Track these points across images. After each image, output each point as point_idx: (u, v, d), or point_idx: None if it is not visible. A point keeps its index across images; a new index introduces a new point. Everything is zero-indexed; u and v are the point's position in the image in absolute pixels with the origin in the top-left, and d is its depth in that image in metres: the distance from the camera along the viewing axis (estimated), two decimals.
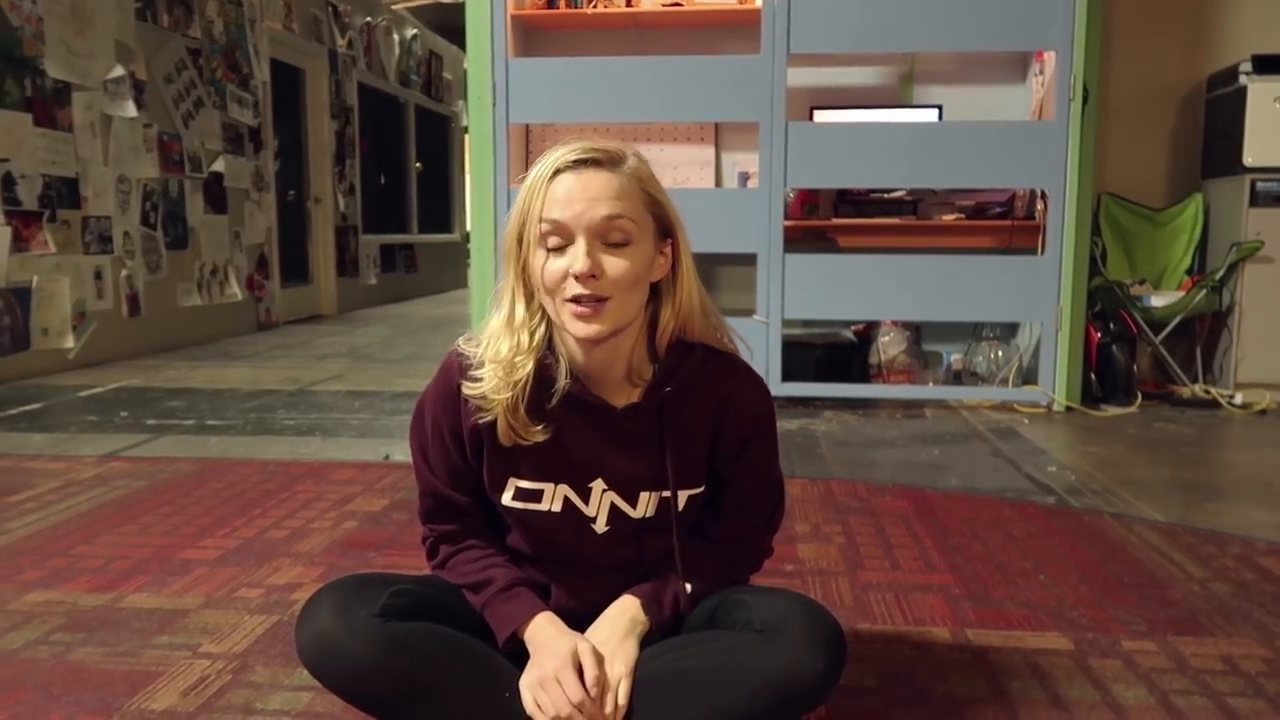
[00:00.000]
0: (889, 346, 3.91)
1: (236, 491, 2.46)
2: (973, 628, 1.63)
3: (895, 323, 3.92)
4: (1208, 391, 3.81)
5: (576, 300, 1.06)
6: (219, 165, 5.82)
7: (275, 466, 2.69)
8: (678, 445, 1.18)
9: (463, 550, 1.26)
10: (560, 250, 1.07)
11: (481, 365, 1.14)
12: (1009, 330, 4.08)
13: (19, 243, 4.20)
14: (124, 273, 4.95)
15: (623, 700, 1.12)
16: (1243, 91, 3.71)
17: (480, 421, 1.16)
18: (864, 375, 3.92)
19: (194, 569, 1.90)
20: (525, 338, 1.12)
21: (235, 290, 6.02)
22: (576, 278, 1.05)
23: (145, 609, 1.70)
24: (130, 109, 4.92)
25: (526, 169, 1.10)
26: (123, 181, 4.93)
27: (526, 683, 1.13)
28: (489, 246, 3.71)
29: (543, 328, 1.14)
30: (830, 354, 3.94)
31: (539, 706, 1.10)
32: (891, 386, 3.83)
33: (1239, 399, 3.71)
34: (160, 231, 5.28)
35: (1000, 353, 3.99)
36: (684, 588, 1.21)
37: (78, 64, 4.57)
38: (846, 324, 4.11)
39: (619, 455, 1.17)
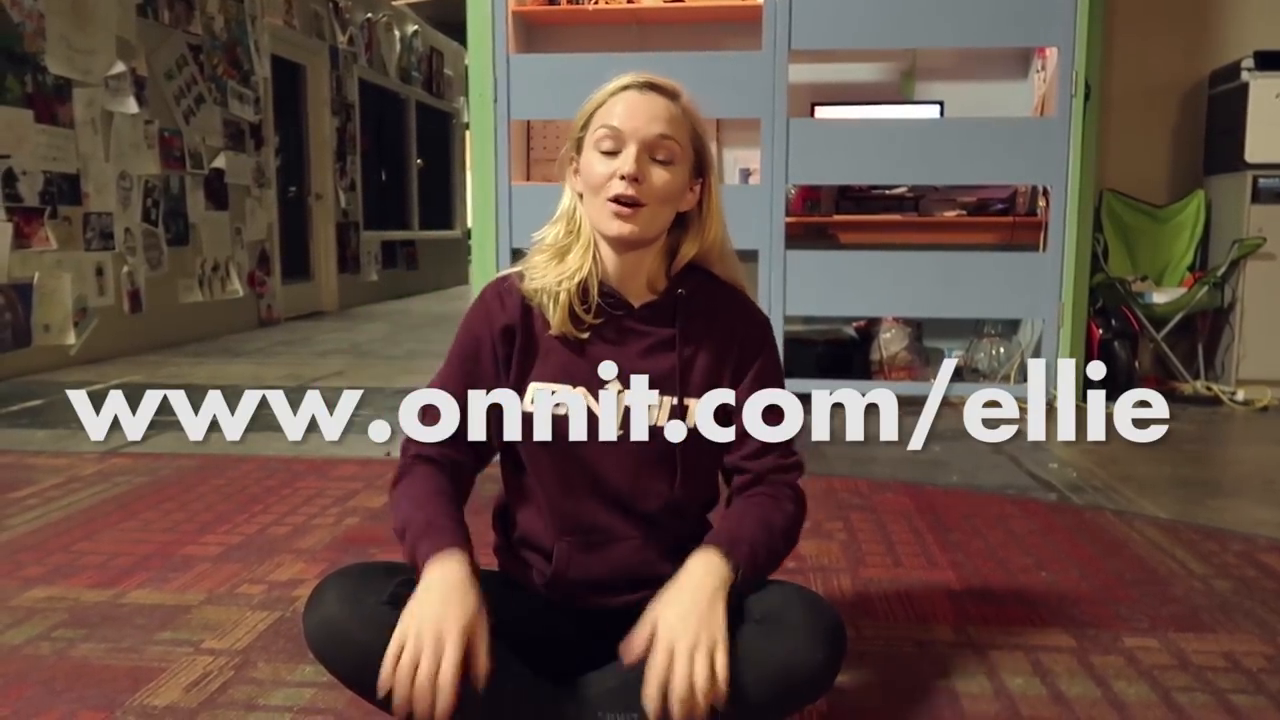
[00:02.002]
0: (890, 343, 3.90)
1: (238, 488, 2.46)
2: (974, 624, 1.63)
3: (896, 319, 3.91)
4: (1209, 388, 3.80)
5: (617, 199, 1.18)
6: (220, 161, 5.82)
7: (277, 463, 2.68)
8: (687, 344, 1.25)
9: (420, 477, 1.22)
10: (612, 155, 1.19)
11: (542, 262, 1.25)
12: (1010, 327, 4.07)
13: (20, 239, 4.20)
14: (125, 269, 4.95)
15: (721, 673, 1.04)
16: (1245, 88, 3.71)
17: (530, 304, 1.23)
18: (865, 372, 3.92)
19: (196, 565, 1.91)
20: (588, 230, 1.24)
21: (236, 287, 6.02)
22: (622, 177, 1.17)
23: (147, 605, 1.70)
24: (131, 105, 4.92)
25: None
26: (124, 178, 4.92)
27: (402, 629, 1.03)
28: (490, 243, 3.71)
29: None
30: (831, 350, 3.93)
31: (392, 668, 1.02)
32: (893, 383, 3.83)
33: (1240, 396, 3.71)
34: (161, 228, 5.28)
35: (1002, 349, 3.98)
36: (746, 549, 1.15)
37: (79, 60, 4.57)
38: (848, 320, 4.11)
39: (633, 353, 1.24)
